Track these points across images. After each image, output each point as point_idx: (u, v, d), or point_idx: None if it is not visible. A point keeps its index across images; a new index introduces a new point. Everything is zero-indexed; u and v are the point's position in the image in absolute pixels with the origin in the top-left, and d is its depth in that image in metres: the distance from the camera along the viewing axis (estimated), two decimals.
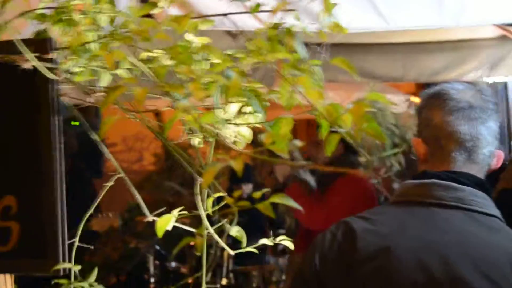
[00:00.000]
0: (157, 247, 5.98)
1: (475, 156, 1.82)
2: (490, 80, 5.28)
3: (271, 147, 1.06)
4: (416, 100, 7.52)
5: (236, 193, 1.16)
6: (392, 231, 1.75)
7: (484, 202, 1.77)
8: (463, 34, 4.88)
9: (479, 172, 1.84)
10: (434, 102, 1.86)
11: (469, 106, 1.82)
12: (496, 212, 1.80)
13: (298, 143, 1.08)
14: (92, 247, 1.47)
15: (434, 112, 1.85)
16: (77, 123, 1.56)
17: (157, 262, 5.91)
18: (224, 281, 4.69)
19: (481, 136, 1.82)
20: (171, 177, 7.96)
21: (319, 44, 1.28)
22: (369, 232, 1.76)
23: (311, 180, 4.27)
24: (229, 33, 4.02)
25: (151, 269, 5.83)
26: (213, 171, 1.00)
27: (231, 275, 4.64)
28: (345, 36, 4.36)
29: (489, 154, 1.85)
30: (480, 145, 1.82)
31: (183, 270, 5.94)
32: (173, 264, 5.94)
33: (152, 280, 5.84)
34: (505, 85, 5.41)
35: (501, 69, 4.97)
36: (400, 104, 7.44)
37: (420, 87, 7.87)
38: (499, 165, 1.91)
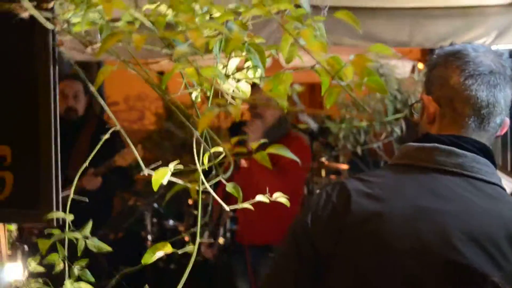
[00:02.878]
0: (155, 206, 6.02)
1: (487, 124, 1.81)
2: (497, 47, 5.26)
3: (270, 94, 1.05)
4: (421, 66, 7.50)
5: (233, 140, 1.15)
6: (388, 195, 1.74)
7: (486, 169, 1.76)
8: (470, 0, 4.85)
9: (488, 139, 1.83)
10: (453, 61, 1.83)
11: (490, 71, 1.79)
12: (497, 179, 1.78)
13: (298, 87, 1.07)
14: (87, 200, 1.45)
15: (452, 72, 1.82)
16: None
17: (154, 220, 5.95)
18: (221, 240, 4.71)
19: (497, 104, 1.80)
20: (172, 136, 7.99)
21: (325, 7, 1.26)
22: (364, 195, 1.75)
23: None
24: None
25: (149, 227, 5.87)
26: (210, 115, 0.99)
27: (228, 234, 4.67)
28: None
29: (500, 122, 1.84)
30: (494, 113, 1.80)
31: (181, 228, 5.99)
32: (171, 222, 5.98)
33: (149, 237, 5.88)
34: (510, 53, 5.38)
35: (508, 37, 4.95)
36: (405, 69, 7.44)
37: (425, 54, 7.84)
38: (503, 133, 1.89)
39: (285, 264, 1.83)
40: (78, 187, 1.31)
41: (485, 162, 1.77)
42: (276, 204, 1.37)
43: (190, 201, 5.92)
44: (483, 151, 1.79)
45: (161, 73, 1.29)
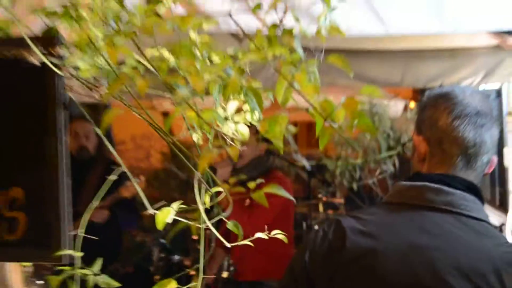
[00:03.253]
0: (162, 241, 5.99)
1: (474, 163, 1.80)
2: (484, 87, 5.29)
3: (267, 135, 1.06)
4: (413, 105, 7.53)
5: (232, 180, 1.15)
6: (382, 233, 1.74)
7: (474, 206, 1.75)
8: (459, 42, 4.88)
9: (475, 177, 1.82)
10: (442, 103, 1.83)
11: (476, 112, 1.79)
12: (485, 216, 1.78)
13: (292, 129, 1.07)
14: (97, 239, 1.45)
15: (440, 113, 1.82)
16: None
17: (162, 255, 5.92)
18: (225, 274, 4.68)
19: (484, 144, 1.80)
20: (176, 174, 7.98)
21: (320, 51, 1.27)
22: (359, 232, 1.75)
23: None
24: (235, 36, 4.03)
25: (156, 262, 5.84)
26: (209, 157, 0.99)
27: (231, 268, 4.64)
28: (346, 42, 4.38)
29: (487, 160, 1.83)
30: (481, 152, 1.80)
31: (186, 262, 5.95)
32: (177, 257, 5.94)
33: (156, 272, 5.85)
34: (497, 92, 5.41)
35: (495, 77, 4.98)
36: (398, 108, 7.46)
37: (417, 94, 7.87)
38: (491, 171, 1.89)
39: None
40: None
41: (473, 200, 1.76)
42: (266, 242, 1.36)
43: (194, 237, 5.90)
44: (471, 188, 1.78)
45: (165, 114, 1.30)
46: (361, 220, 1.79)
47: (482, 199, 1.80)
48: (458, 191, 1.75)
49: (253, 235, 1.28)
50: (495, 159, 1.88)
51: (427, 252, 1.67)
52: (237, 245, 1.26)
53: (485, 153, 1.81)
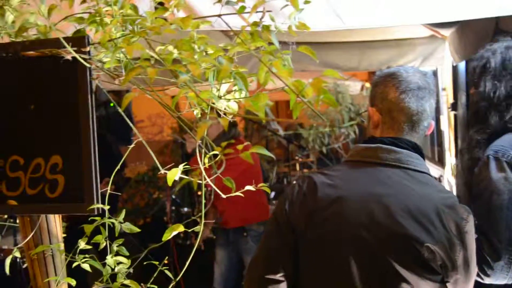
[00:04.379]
0: (173, 197, 6.00)
1: (417, 127, 1.82)
2: (423, 69, 5.28)
3: (251, 109, 1.07)
4: (368, 85, 7.51)
5: (223, 144, 1.16)
6: (345, 184, 1.75)
7: (418, 162, 1.77)
8: (402, 34, 4.89)
9: (418, 139, 1.84)
10: (390, 81, 1.84)
11: (418, 87, 1.81)
12: (427, 169, 1.79)
13: (270, 103, 1.08)
14: (121, 194, 1.46)
15: (389, 89, 1.83)
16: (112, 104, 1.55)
17: (173, 207, 5.94)
18: (215, 225, 4.73)
19: (424, 112, 1.81)
20: (183, 144, 7.96)
21: (292, 43, 1.27)
22: (327, 185, 1.76)
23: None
24: (226, 34, 4.00)
25: (169, 213, 5.86)
26: (205, 126, 1.01)
27: (219, 218, 4.67)
28: (313, 36, 4.34)
29: (427, 125, 1.85)
30: (422, 118, 1.82)
31: (194, 213, 5.97)
32: (185, 209, 5.96)
33: (169, 221, 5.87)
34: (434, 72, 5.42)
35: (431, 61, 5.00)
36: (356, 87, 7.47)
37: (372, 75, 7.85)
38: (429, 133, 1.91)
39: (269, 240, 1.83)
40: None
41: (417, 157, 1.78)
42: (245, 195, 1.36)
43: (199, 192, 5.92)
44: (415, 148, 1.80)
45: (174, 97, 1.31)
46: (328, 176, 1.81)
47: (423, 156, 1.82)
48: (405, 150, 1.77)
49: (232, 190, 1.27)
50: (433, 123, 1.90)
51: (382, 199, 1.69)
52: (221, 200, 1.26)
53: (425, 119, 1.83)
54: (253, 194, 1.44)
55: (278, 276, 1.77)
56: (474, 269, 1.73)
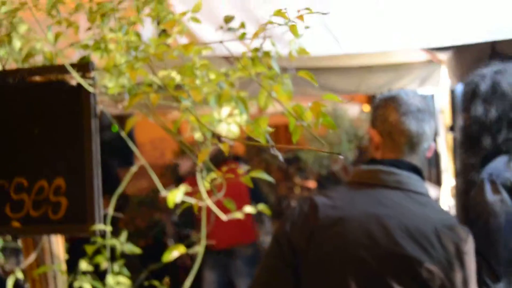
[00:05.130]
0: (174, 218, 5.98)
1: (417, 149, 1.83)
2: (421, 92, 5.31)
3: (251, 134, 1.08)
4: (366, 108, 7.54)
5: (224, 169, 1.17)
6: (346, 206, 1.75)
7: (417, 183, 1.77)
8: (400, 58, 4.93)
9: (418, 160, 1.84)
10: (390, 103, 1.85)
11: (417, 109, 1.82)
12: (426, 190, 1.80)
13: (269, 129, 1.10)
14: (122, 215, 1.47)
15: (390, 111, 1.84)
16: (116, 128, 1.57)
17: (174, 229, 5.91)
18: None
19: (424, 133, 1.82)
20: (177, 167, 7.96)
21: (292, 68, 1.29)
22: (328, 206, 1.76)
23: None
24: (227, 59, 4.04)
25: (169, 235, 5.83)
26: (206, 151, 1.02)
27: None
28: (312, 61, 4.38)
29: (427, 146, 1.85)
30: (422, 140, 1.82)
31: (194, 235, 5.94)
32: (186, 231, 5.93)
33: (170, 243, 5.84)
34: (432, 95, 5.45)
35: (428, 84, 5.03)
36: (354, 110, 7.49)
37: (369, 99, 7.89)
38: (430, 155, 1.92)
39: (270, 261, 1.81)
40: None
41: (417, 178, 1.79)
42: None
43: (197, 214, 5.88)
44: (415, 169, 1.81)
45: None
46: (329, 197, 1.81)
47: (423, 177, 1.82)
48: (405, 172, 1.78)
49: (224, 211, 1.27)
50: (433, 145, 1.91)
51: (381, 219, 1.69)
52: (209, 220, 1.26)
53: (425, 141, 1.84)
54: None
55: None
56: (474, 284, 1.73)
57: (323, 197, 1.82)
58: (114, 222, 1.51)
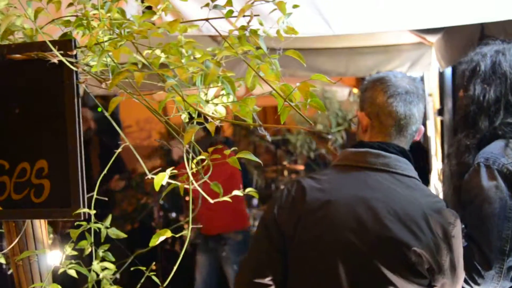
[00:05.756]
0: (161, 202, 5.97)
1: (405, 131, 1.82)
2: (410, 75, 5.31)
3: (238, 113, 1.06)
4: (355, 91, 7.53)
5: (210, 149, 1.15)
6: (333, 188, 1.75)
7: (405, 166, 1.77)
8: (389, 40, 4.91)
9: (406, 143, 1.84)
10: (378, 85, 1.84)
11: (406, 91, 1.81)
12: (414, 173, 1.79)
13: (256, 108, 1.08)
14: (107, 199, 1.45)
15: (378, 93, 1.83)
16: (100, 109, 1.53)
17: (161, 213, 5.90)
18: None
19: (413, 116, 1.82)
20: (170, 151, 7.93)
21: (281, 48, 1.27)
22: (315, 189, 1.76)
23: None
24: (214, 39, 4.00)
25: (156, 219, 5.83)
26: (192, 131, 1.00)
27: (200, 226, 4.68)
28: (301, 42, 4.35)
29: (415, 129, 1.85)
30: (410, 122, 1.82)
31: (181, 218, 5.94)
32: (173, 214, 5.93)
33: (157, 226, 5.84)
34: (421, 78, 5.45)
35: (418, 67, 5.03)
36: (344, 93, 7.49)
37: (359, 81, 7.88)
38: (419, 138, 1.91)
39: (258, 244, 1.82)
40: (106, 189, 1.30)
41: (405, 161, 1.78)
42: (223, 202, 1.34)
43: (187, 198, 5.88)
44: (403, 152, 1.80)
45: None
46: (317, 180, 1.81)
47: (411, 161, 1.82)
48: (393, 155, 1.77)
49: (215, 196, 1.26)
50: (422, 128, 1.89)
51: (369, 202, 1.69)
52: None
53: (413, 123, 1.83)
54: (233, 201, 1.42)
55: (267, 280, 1.76)
56: (462, 273, 1.74)
57: (310, 180, 1.81)
58: (102, 206, 1.49)
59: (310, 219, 1.73)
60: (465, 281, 1.92)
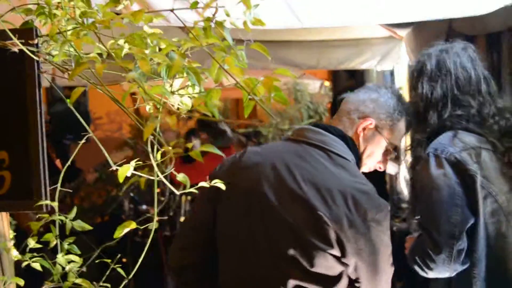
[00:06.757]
0: (131, 194, 5.92)
1: (346, 116, 1.99)
2: (380, 68, 5.36)
3: (200, 108, 1.06)
4: (327, 83, 7.56)
5: (172, 143, 1.15)
6: (268, 154, 1.92)
7: (342, 148, 1.90)
8: (360, 34, 4.94)
9: (349, 128, 1.97)
10: None
11: (373, 87, 2.07)
12: (351, 157, 1.91)
13: (219, 103, 1.07)
14: (71, 190, 1.42)
15: None
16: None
17: (131, 205, 5.85)
18: (182, 219, 4.70)
19: (359, 103, 1.99)
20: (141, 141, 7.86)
21: (248, 40, 1.26)
22: (254, 152, 1.95)
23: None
24: (184, 31, 3.97)
25: (127, 211, 5.78)
26: (153, 125, 0.99)
27: (187, 214, 4.65)
28: (272, 34, 4.33)
29: (357, 117, 1.99)
30: (353, 108, 1.99)
31: (151, 211, 5.90)
32: (144, 206, 5.89)
33: (127, 219, 5.79)
34: (391, 72, 5.51)
35: (388, 60, 5.08)
36: (315, 86, 7.52)
37: (330, 74, 7.93)
38: (362, 128, 1.99)
39: (196, 205, 2.03)
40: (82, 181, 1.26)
41: (342, 144, 1.90)
42: None
43: (157, 190, 5.83)
44: (343, 136, 1.92)
45: (133, 94, 1.28)
46: (261, 147, 2.05)
47: (352, 147, 1.93)
48: (331, 135, 1.90)
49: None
50: (370, 123, 1.97)
51: (293, 168, 1.83)
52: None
53: (357, 110, 1.97)
54: None
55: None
56: (385, 268, 1.81)
57: (256, 147, 2.04)
58: (70, 198, 1.47)
59: (239, 176, 1.87)
60: (419, 266, 2.08)
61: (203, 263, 1.94)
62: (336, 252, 1.74)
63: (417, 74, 2.29)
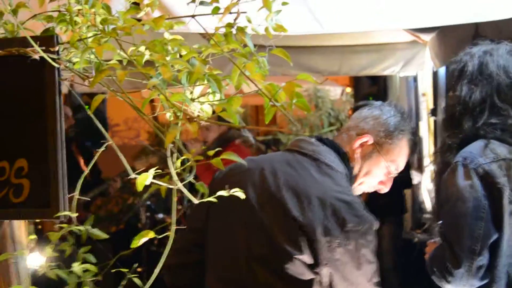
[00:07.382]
0: (148, 203, 5.95)
1: (344, 132, 2.08)
2: (403, 74, 5.34)
3: (222, 114, 1.07)
4: (348, 90, 7.54)
5: (193, 151, 1.15)
6: (262, 162, 1.99)
7: (332, 159, 1.95)
8: (383, 39, 4.92)
9: (346, 142, 2.02)
10: None
11: (376, 104, 2.10)
12: (341, 168, 1.95)
13: (241, 109, 1.08)
14: (89, 199, 1.44)
15: None
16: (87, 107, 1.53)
17: (148, 214, 5.88)
18: None
19: (360, 119, 2.06)
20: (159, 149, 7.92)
21: (270, 46, 1.27)
22: (251, 160, 2.03)
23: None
24: (204, 37, 3.99)
25: (143, 220, 5.81)
26: (174, 132, 1.00)
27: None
28: (294, 40, 4.34)
29: (354, 133, 2.04)
30: (352, 125, 2.06)
31: (168, 220, 5.92)
32: (160, 215, 5.91)
33: (144, 228, 5.81)
34: (414, 78, 5.47)
35: (412, 66, 5.05)
36: (336, 92, 7.51)
37: (352, 80, 7.91)
38: (357, 146, 2.03)
39: (194, 207, 2.17)
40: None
41: (334, 155, 1.95)
42: None
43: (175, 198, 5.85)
44: (336, 148, 1.96)
45: (152, 101, 1.29)
46: (260, 156, 2.17)
47: (345, 159, 1.96)
48: (323, 146, 1.95)
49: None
50: (367, 138, 1.99)
51: (279, 174, 1.90)
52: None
53: (356, 128, 2.03)
54: None
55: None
56: (363, 281, 1.78)
57: (256, 156, 2.18)
58: (86, 207, 1.48)
59: (230, 180, 1.91)
60: (437, 277, 2.05)
61: (196, 264, 1.99)
62: (308, 259, 1.76)
63: (457, 74, 2.19)
